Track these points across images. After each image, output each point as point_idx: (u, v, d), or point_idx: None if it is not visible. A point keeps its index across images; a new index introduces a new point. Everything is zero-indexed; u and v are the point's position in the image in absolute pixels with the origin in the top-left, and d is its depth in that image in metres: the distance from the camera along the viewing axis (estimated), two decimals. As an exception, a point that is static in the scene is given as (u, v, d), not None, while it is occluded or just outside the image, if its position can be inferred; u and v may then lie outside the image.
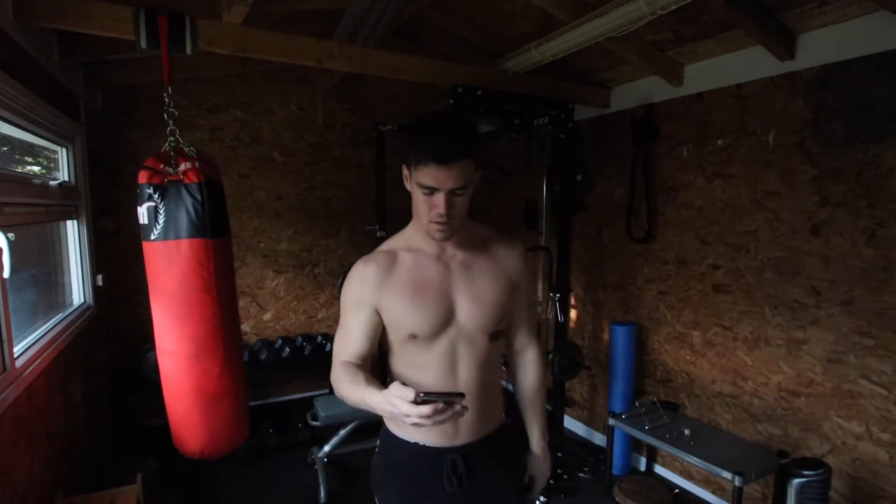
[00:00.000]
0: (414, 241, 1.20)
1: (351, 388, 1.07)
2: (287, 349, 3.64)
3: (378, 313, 1.17)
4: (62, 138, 2.42)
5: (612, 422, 2.66)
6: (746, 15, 2.10)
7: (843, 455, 2.17)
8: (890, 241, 2.00)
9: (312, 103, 3.84)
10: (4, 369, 1.55)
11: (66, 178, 2.53)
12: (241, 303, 3.76)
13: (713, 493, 2.71)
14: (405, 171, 1.12)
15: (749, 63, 2.40)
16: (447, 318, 1.16)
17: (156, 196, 1.69)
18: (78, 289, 2.67)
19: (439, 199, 1.06)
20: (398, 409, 0.90)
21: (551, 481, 2.84)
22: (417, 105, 3.98)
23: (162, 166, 1.71)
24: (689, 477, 2.85)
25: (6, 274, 1.57)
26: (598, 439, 3.40)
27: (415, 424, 0.91)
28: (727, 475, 2.12)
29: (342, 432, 2.82)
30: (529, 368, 1.37)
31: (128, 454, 2.90)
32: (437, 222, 1.09)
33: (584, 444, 3.45)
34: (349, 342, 1.18)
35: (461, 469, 1.19)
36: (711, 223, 2.66)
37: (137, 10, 1.86)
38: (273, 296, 3.88)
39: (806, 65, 2.21)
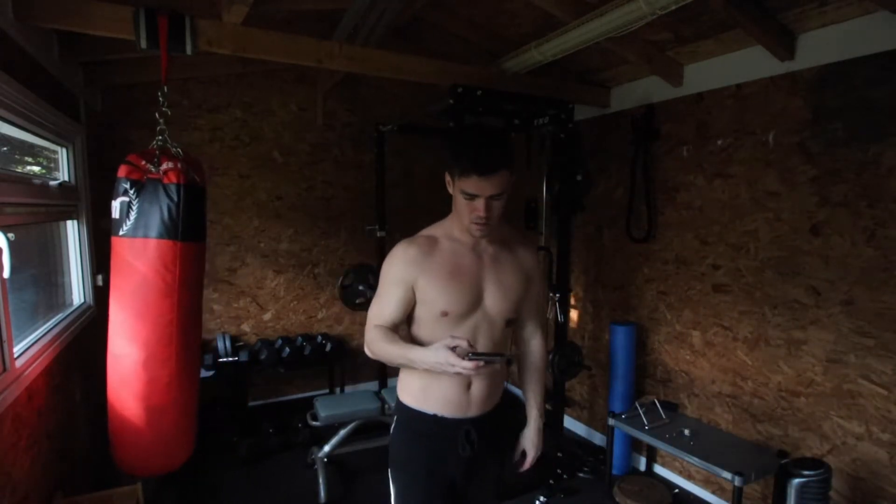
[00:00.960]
0: (452, 232, 1.36)
1: (389, 346, 1.27)
2: (287, 349, 3.64)
3: (413, 290, 1.32)
4: (62, 138, 2.42)
5: (612, 422, 2.66)
6: (746, 15, 2.11)
7: (843, 455, 2.17)
8: (890, 241, 2.00)
9: (312, 103, 3.84)
10: (4, 369, 1.55)
11: (66, 178, 2.53)
12: (242, 303, 3.77)
13: (713, 493, 2.71)
14: (447, 178, 1.29)
15: (749, 63, 2.40)
16: (476, 302, 1.33)
17: (131, 192, 1.67)
18: (78, 289, 2.66)
19: (480, 204, 1.23)
20: (449, 360, 1.11)
21: (551, 481, 2.85)
22: (417, 105, 3.98)
23: (144, 163, 1.70)
24: (689, 477, 2.85)
25: (6, 274, 1.56)
26: (598, 439, 3.40)
27: (456, 373, 1.14)
28: (727, 475, 2.12)
29: (342, 432, 2.82)
30: (536, 353, 1.55)
31: (128, 454, 2.90)
32: (477, 223, 1.26)
33: (584, 444, 3.45)
34: (385, 311, 1.33)
35: (473, 436, 1.38)
36: (711, 223, 2.66)
37: (137, 11, 1.86)
38: (273, 296, 3.88)
39: (806, 65, 2.21)
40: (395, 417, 1.46)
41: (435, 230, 1.38)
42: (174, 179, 1.69)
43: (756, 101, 2.42)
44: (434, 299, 1.30)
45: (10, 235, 1.62)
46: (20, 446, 1.60)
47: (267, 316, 3.88)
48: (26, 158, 2.27)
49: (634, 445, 3.08)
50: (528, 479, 2.64)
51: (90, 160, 2.79)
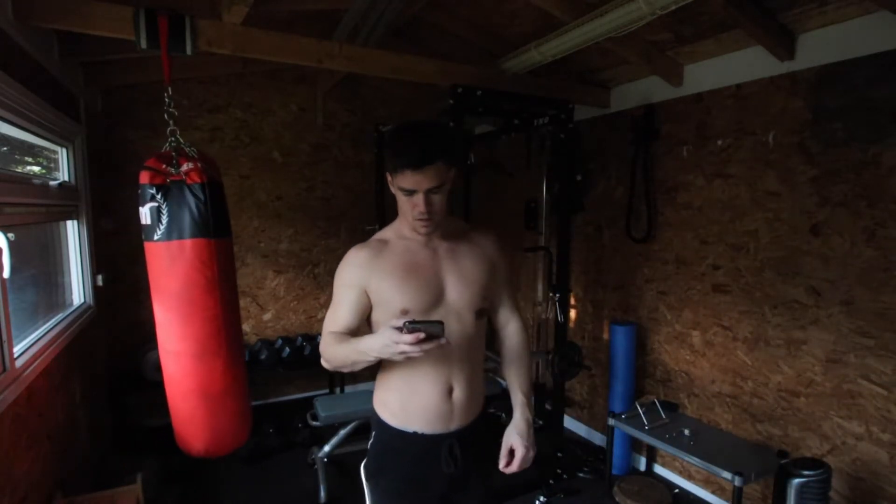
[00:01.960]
0: (403, 231, 1.33)
1: (340, 346, 1.22)
2: (287, 349, 3.64)
3: (367, 294, 1.28)
4: (62, 138, 2.42)
5: (612, 422, 2.66)
6: (746, 15, 2.11)
7: (843, 455, 2.17)
8: (890, 241, 2.00)
9: (312, 103, 3.84)
10: (4, 369, 1.55)
11: (66, 178, 2.53)
12: (242, 303, 3.76)
13: (713, 493, 2.71)
14: (388, 177, 1.25)
15: (749, 63, 2.40)
16: (438, 297, 1.29)
17: (158, 196, 1.69)
18: (78, 289, 2.67)
19: (419, 199, 1.20)
20: (392, 338, 1.06)
21: (551, 481, 2.85)
22: (417, 105, 3.98)
23: (164, 166, 1.72)
24: (689, 477, 2.85)
25: (6, 274, 1.57)
26: (598, 439, 3.40)
27: (408, 357, 1.08)
28: (727, 475, 2.11)
29: (342, 432, 2.82)
30: (513, 337, 1.48)
31: (128, 454, 2.90)
32: (420, 219, 1.24)
33: (584, 444, 3.45)
34: (338, 316, 1.30)
35: (457, 451, 1.34)
36: (711, 223, 2.66)
37: (137, 11, 1.86)
38: (273, 296, 3.88)
39: (806, 65, 2.21)
40: (374, 434, 1.40)
41: (385, 233, 1.36)
42: (197, 179, 1.71)
43: (756, 102, 2.42)
44: (390, 298, 1.26)
45: (10, 235, 1.62)
46: (20, 446, 1.60)
47: (267, 316, 3.88)
48: (26, 158, 2.27)
49: (634, 445, 3.08)
50: (528, 479, 2.64)
51: (90, 160, 2.79)
